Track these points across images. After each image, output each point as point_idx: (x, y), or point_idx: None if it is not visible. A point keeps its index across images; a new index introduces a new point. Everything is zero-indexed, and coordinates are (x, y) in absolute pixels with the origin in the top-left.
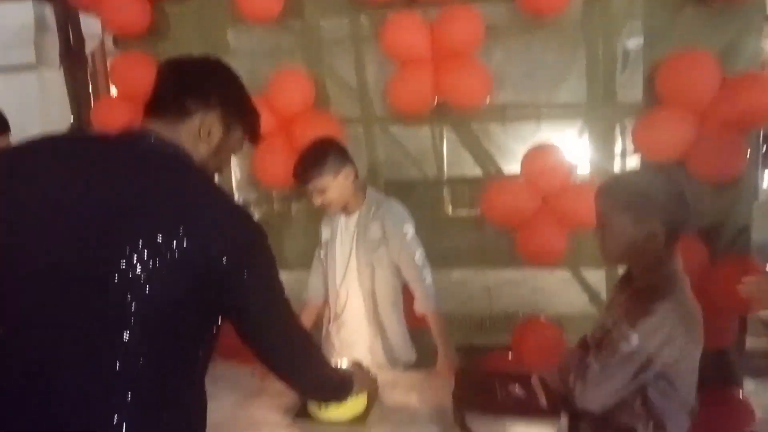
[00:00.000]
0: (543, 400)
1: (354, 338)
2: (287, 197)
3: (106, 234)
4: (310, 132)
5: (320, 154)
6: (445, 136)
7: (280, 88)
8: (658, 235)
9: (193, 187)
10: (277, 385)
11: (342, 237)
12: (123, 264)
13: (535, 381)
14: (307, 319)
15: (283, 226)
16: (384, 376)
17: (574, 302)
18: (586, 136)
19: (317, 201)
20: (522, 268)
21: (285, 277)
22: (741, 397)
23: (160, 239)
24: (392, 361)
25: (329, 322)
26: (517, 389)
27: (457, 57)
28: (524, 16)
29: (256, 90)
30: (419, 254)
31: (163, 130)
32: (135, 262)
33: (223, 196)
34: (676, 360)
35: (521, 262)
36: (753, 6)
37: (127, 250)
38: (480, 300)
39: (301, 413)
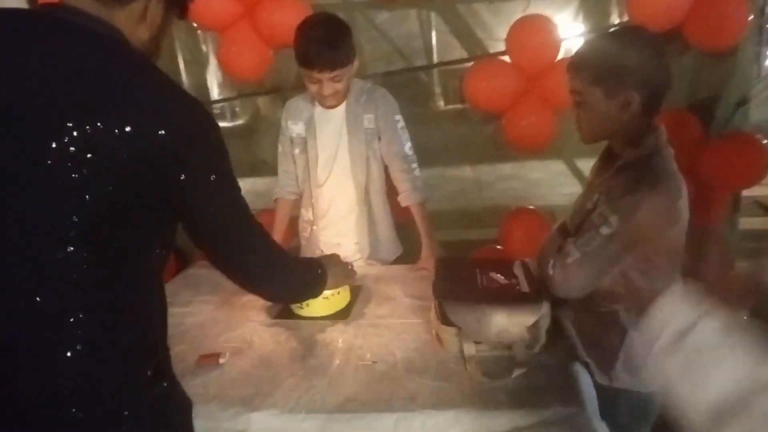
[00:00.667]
0: (525, 286)
1: (341, 237)
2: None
3: (28, 126)
4: (277, 19)
5: (342, 35)
6: (433, 23)
7: None
8: (634, 105)
9: (129, 70)
10: None
11: (324, 130)
12: (52, 158)
13: (516, 267)
14: (282, 220)
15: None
16: (369, 270)
17: (567, 194)
18: (580, 14)
19: (326, 91)
20: (515, 162)
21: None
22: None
23: (90, 129)
24: (380, 257)
25: (311, 224)
26: (498, 276)
27: None
28: None
29: None
30: (409, 145)
31: (95, 9)
32: (66, 154)
33: (166, 80)
34: (658, 240)
35: (515, 155)
36: None
37: (56, 143)
38: (471, 195)
39: (283, 312)
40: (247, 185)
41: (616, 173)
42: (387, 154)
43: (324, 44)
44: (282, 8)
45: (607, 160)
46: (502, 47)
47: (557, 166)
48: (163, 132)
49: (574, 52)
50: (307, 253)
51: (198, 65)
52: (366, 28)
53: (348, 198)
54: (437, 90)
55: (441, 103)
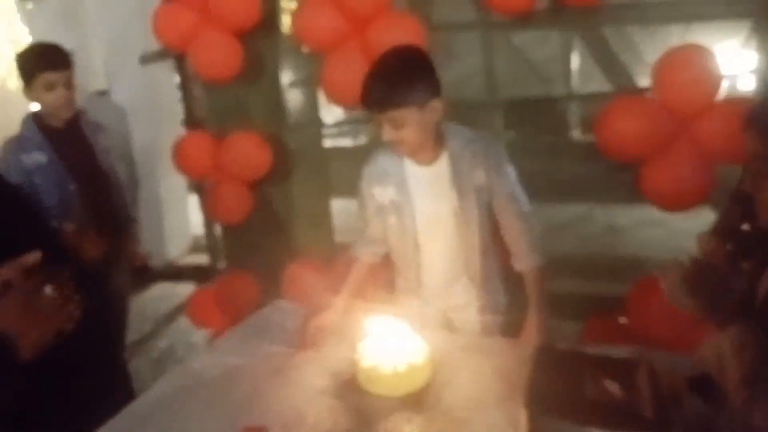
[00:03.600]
0: (648, 407)
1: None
2: None
3: None
4: (389, 40)
5: (405, 75)
6: (575, 46)
7: None
8: None
9: None
10: (336, 340)
11: (424, 193)
12: None
13: (641, 375)
14: (356, 278)
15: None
16: (456, 340)
17: None
18: (752, 43)
19: (389, 136)
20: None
21: None
22: None
23: None
24: (488, 326)
25: (414, 287)
26: (613, 386)
27: None
28: None
29: None
30: (525, 200)
31: None
32: None
33: None
34: None
35: None
36: None
37: None
38: (601, 240)
39: (349, 383)
40: (345, 207)
41: None
42: (498, 210)
43: (378, 79)
44: (394, 27)
45: None
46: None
47: (712, 215)
48: None
49: (744, 93)
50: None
51: (308, 86)
52: (502, 48)
53: (455, 263)
54: (573, 118)
55: (577, 133)
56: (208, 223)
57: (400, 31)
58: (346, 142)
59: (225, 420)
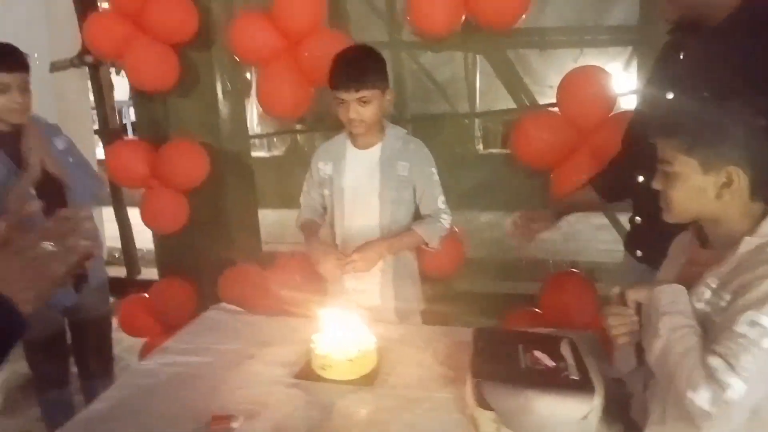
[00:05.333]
0: (574, 371)
1: (365, 283)
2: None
3: None
4: (320, 55)
5: (375, 60)
6: (478, 66)
7: (289, 3)
8: (737, 185)
9: None
10: (282, 337)
11: (354, 170)
12: None
13: (564, 346)
14: (313, 230)
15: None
16: (397, 330)
17: (605, 249)
18: (632, 67)
19: (352, 114)
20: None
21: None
22: None
23: None
24: (404, 311)
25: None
26: (543, 356)
27: None
28: None
29: (262, 7)
30: (442, 199)
31: None
32: None
33: None
34: None
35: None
36: None
37: None
38: (507, 244)
39: (304, 372)
40: (278, 216)
41: (738, 267)
42: (420, 205)
43: (351, 64)
44: (326, 44)
45: (705, 242)
46: (551, 95)
47: (598, 220)
48: None
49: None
50: (331, 298)
51: (238, 97)
52: (411, 67)
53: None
54: (478, 133)
55: (480, 147)
56: (125, 235)
57: (331, 47)
58: (261, 153)
59: (190, 413)
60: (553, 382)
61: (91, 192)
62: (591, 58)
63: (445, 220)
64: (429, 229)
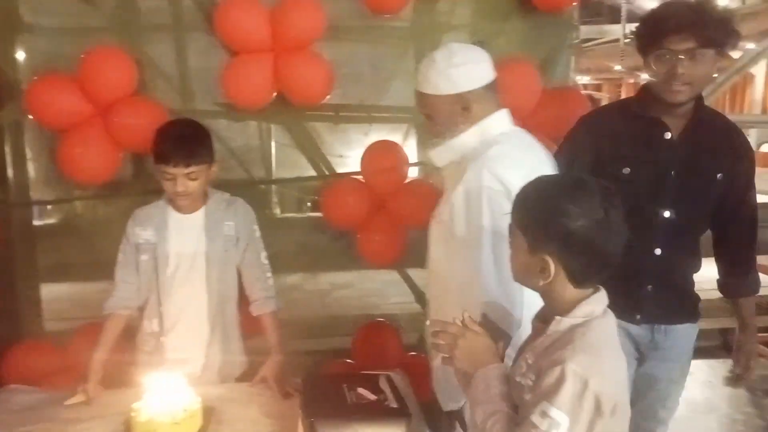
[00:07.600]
0: (393, 401)
1: (188, 351)
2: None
3: None
4: (132, 122)
5: (203, 136)
6: (273, 134)
7: (97, 69)
8: (549, 272)
9: None
10: (90, 413)
11: (179, 235)
12: None
13: (382, 381)
14: (111, 337)
15: (92, 231)
16: (218, 390)
17: (398, 303)
18: (413, 140)
19: (180, 188)
20: (350, 271)
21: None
22: None
23: None
24: (227, 373)
25: (157, 336)
26: (366, 392)
27: (298, 49)
28: (356, 15)
29: (66, 69)
30: (264, 254)
31: None
32: None
33: None
34: None
35: (350, 264)
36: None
37: None
38: (313, 304)
39: None
40: (56, 291)
41: (549, 346)
42: (242, 262)
43: (180, 140)
44: (137, 112)
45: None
46: (342, 163)
47: (389, 276)
48: None
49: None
50: (149, 368)
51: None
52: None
53: (201, 308)
54: (275, 198)
55: (278, 211)
56: None
57: (141, 114)
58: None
59: None
60: (376, 410)
61: None
62: (378, 132)
63: (271, 277)
64: (275, 301)
